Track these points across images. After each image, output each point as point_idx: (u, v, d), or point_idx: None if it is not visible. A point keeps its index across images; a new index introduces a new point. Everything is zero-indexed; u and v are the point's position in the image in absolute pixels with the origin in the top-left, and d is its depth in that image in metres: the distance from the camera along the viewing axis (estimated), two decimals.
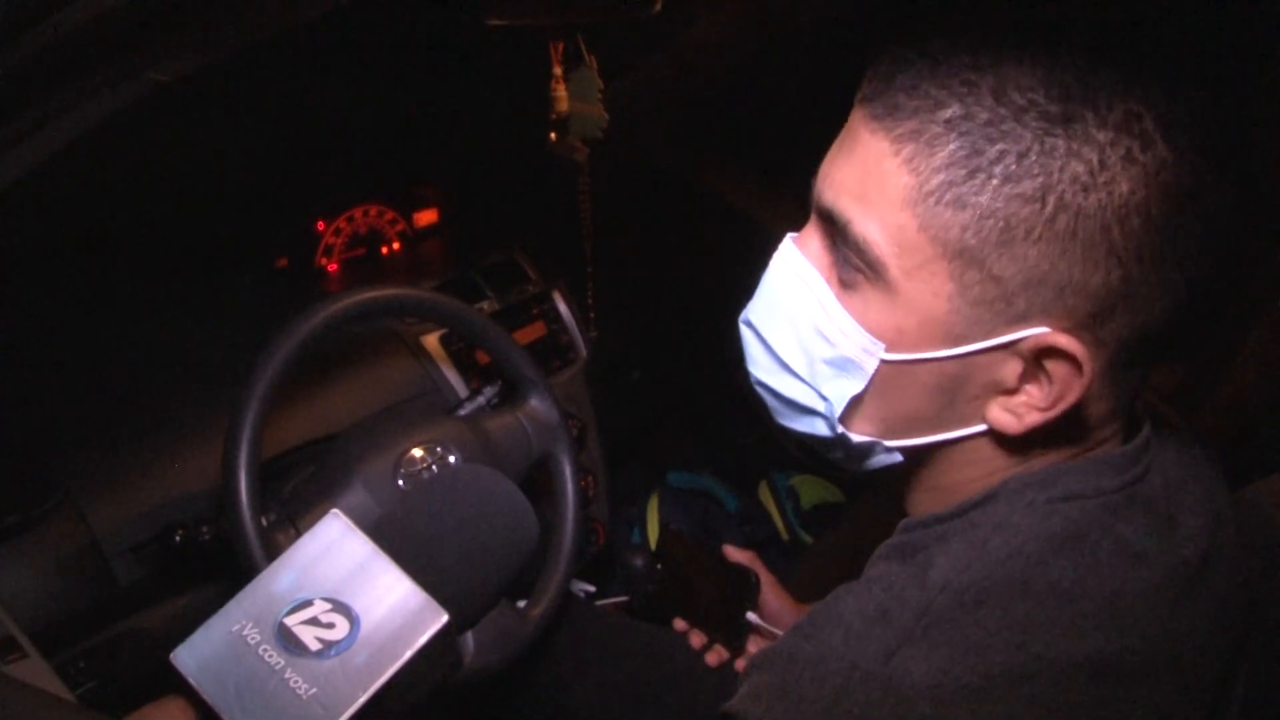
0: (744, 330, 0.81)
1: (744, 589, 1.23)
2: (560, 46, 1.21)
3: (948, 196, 0.63)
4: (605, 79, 1.22)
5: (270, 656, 0.61)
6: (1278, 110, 1.26)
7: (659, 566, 1.27)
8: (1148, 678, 0.64)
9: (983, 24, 0.65)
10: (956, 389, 0.70)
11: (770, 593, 1.24)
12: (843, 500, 1.89)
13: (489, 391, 1.25)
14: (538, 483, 1.22)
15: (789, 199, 1.73)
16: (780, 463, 1.94)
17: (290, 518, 1.03)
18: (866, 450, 0.76)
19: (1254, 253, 1.33)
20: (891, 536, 0.78)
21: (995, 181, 0.61)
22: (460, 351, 1.42)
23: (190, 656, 0.63)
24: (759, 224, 1.73)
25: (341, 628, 0.62)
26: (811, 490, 1.88)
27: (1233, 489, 0.80)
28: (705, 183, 1.84)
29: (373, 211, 1.55)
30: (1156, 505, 0.71)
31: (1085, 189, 0.60)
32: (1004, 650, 0.63)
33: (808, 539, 1.82)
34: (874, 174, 0.66)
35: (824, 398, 0.74)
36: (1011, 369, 0.67)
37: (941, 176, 0.63)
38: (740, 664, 1.19)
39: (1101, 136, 0.60)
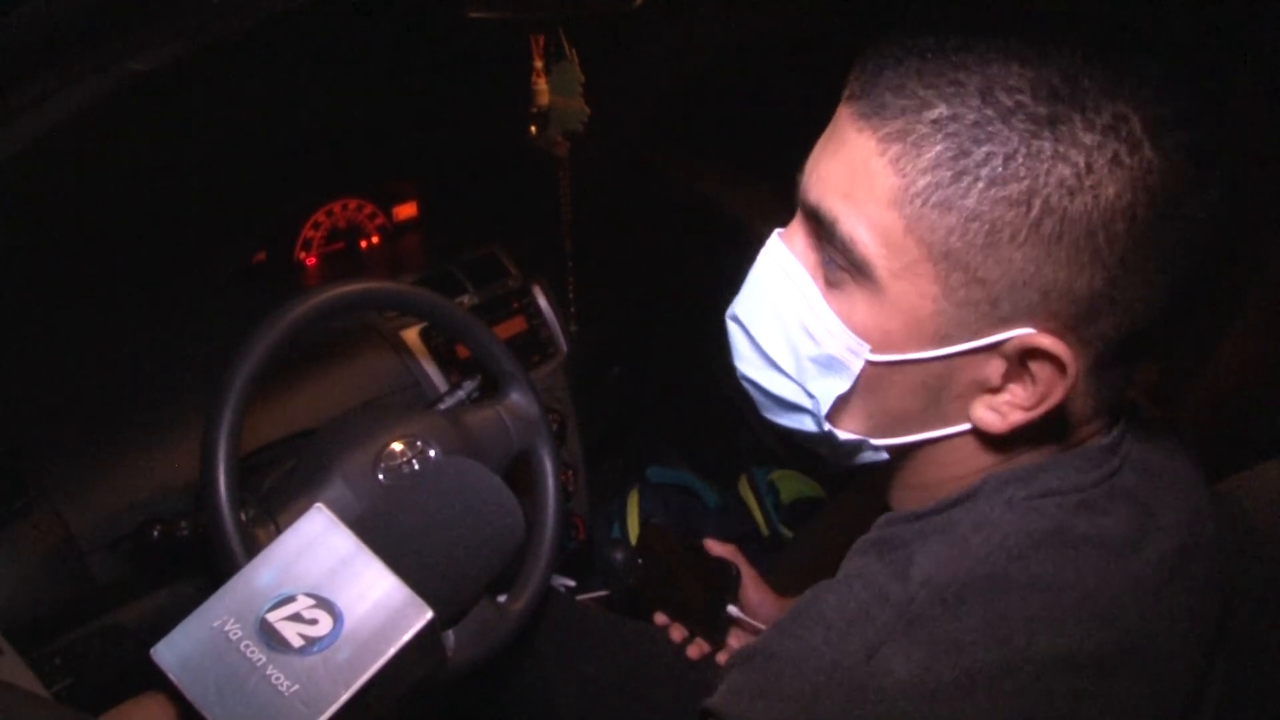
0: (731, 326, 0.80)
1: (725, 582, 1.23)
2: (541, 40, 1.21)
3: (934, 199, 0.62)
4: (586, 72, 1.22)
5: (252, 653, 0.61)
6: (1257, 108, 1.27)
7: (639, 561, 1.27)
8: (1129, 670, 0.65)
9: (970, 22, 0.64)
10: (942, 388, 0.70)
11: (751, 586, 1.24)
12: (822, 495, 1.89)
13: (469, 386, 1.25)
14: (517, 477, 1.21)
15: (770, 194, 1.73)
16: (760, 458, 1.94)
17: (269, 513, 1.02)
18: (854, 448, 0.77)
19: (1232, 249, 1.35)
20: (870, 531, 0.78)
21: (981, 184, 0.61)
22: (440, 346, 1.41)
23: (171, 652, 0.62)
24: (740, 219, 1.73)
25: (324, 624, 0.62)
26: (791, 485, 1.89)
27: (1210, 483, 0.81)
28: (686, 178, 1.84)
29: (351, 205, 1.54)
30: (1133, 497, 0.71)
31: (1071, 192, 0.60)
32: (985, 646, 0.63)
33: (788, 534, 1.82)
34: (861, 173, 0.66)
35: (811, 395, 0.74)
36: (995, 368, 0.68)
37: (928, 178, 0.62)
38: (722, 657, 1.20)
39: (1089, 139, 0.60)
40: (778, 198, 0.75)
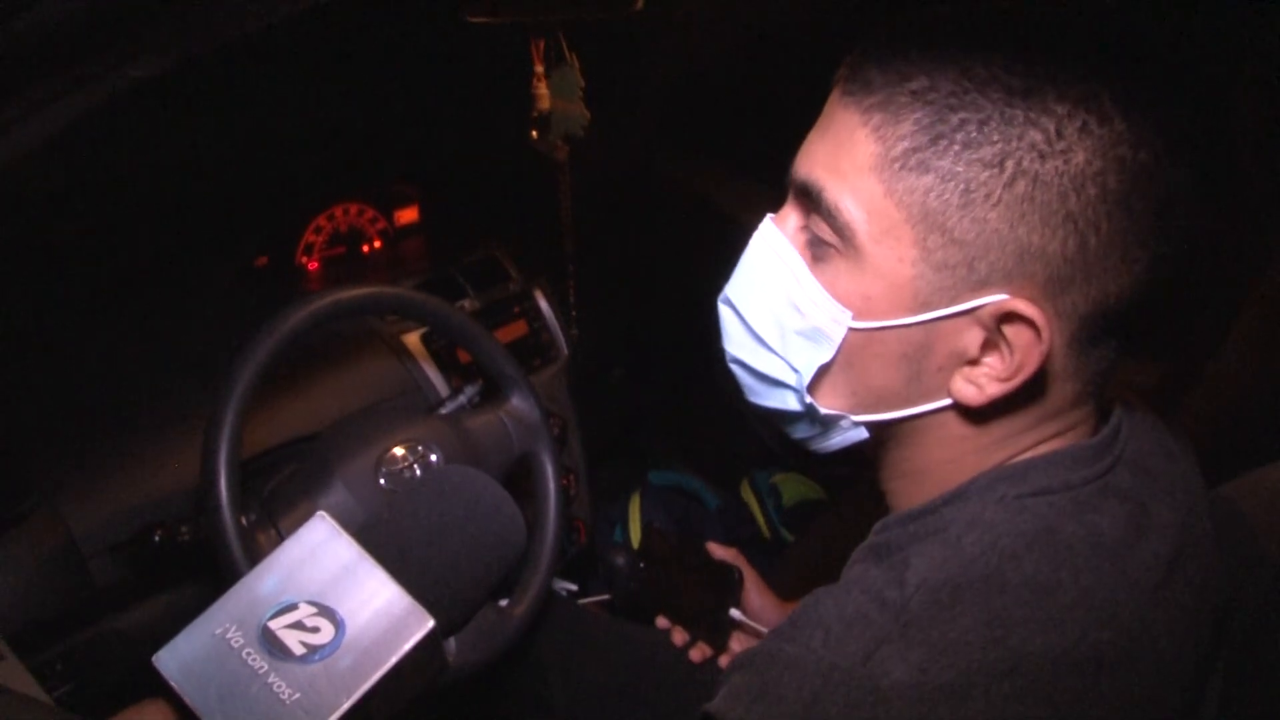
0: (722, 309, 0.83)
1: (727, 585, 1.23)
2: (542, 44, 1.21)
3: (912, 161, 0.66)
4: (587, 77, 1.22)
5: (253, 660, 0.61)
6: (1258, 109, 1.27)
7: (641, 565, 1.27)
8: (1127, 669, 0.65)
9: (955, 15, 0.69)
10: (921, 358, 0.71)
11: (753, 589, 1.25)
12: (824, 498, 1.89)
13: (470, 390, 1.25)
14: (518, 481, 1.21)
15: (771, 197, 1.73)
16: (762, 461, 1.94)
17: (270, 517, 1.02)
18: (833, 423, 0.78)
19: (1232, 250, 1.35)
20: (867, 538, 0.79)
21: (956, 147, 0.64)
22: (441, 350, 1.41)
23: (172, 659, 0.62)
24: (740, 222, 1.73)
25: (326, 632, 0.62)
26: (793, 488, 1.88)
27: (1211, 485, 0.81)
28: (686, 181, 1.84)
29: (353, 209, 1.54)
30: (1128, 496, 0.71)
31: (1042, 156, 0.63)
32: (981, 647, 0.63)
33: (789, 537, 1.82)
34: (845, 144, 0.69)
35: (794, 369, 0.76)
36: (973, 338, 0.69)
37: (906, 143, 0.66)
38: (724, 661, 1.20)
39: (1059, 109, 0.63)
40: (778, 199, 0.77)
